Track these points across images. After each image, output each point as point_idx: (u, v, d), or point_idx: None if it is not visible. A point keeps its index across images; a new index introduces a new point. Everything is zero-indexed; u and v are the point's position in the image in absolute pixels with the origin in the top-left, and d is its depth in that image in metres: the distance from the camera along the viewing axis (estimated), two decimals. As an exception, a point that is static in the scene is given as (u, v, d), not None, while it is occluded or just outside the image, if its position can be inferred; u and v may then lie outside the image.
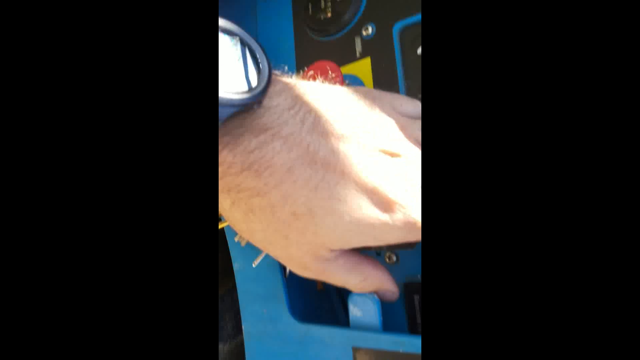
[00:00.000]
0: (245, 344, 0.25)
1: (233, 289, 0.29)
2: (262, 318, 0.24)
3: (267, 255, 0.25)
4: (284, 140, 0.16)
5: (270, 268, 0.25)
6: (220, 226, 0.26)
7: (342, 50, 0.29)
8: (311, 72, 0.27)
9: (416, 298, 0.24)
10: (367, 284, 0.20)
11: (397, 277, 0.25)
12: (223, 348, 0.33)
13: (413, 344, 0.18)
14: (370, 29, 0.28)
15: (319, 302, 0.27)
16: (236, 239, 0.26)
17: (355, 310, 0.21)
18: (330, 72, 0.26)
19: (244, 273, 0.26)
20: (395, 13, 0.27)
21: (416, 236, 0.18)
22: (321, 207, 0.16)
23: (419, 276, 0.24)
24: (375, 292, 0.21)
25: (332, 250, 0.18)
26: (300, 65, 0.31)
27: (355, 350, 0.20)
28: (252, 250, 0.25)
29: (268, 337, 0.24)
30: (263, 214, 0.17)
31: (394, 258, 0.25)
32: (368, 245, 0.18)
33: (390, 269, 0.26)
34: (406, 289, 0.24)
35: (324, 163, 0.16)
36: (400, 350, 0.18)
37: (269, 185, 0.16)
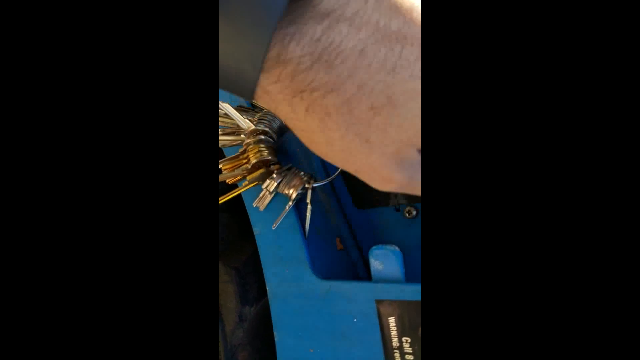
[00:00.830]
0: (271, 305, 0.26)
1: (255, 253, 0.29)
2: (286, 278, 0.25)
3: (286, 216, 0.25)
4: (350, 21, 0.14)
5: (290, 229, 0.25)
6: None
7: None
8: None
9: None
10: None
11: (418, 230, 0.25)
12: (250, 310, 0.34)
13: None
14: None
15: (340, 260, 0.28)
16: (254, 204, 0.26)
17: (376, 264, 0.21)
18: None
19: (265, 237, 0.26)
20: None
21: None
22: (402, 91, 0.14)
23: (440, 228, 0.24)
24: None
25: (419, 150, 0.16)
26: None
27: (379, 302, 0.20)
28: (271, 213, 0.25)
29: (292, 297, 0.24)
30: (340, 115, 0.15)
31: (414, 212, 0.25)
32: None
33: (410, 223, 0.25)
34: (427, 242, 0.24)
35: (398, 37, 0.15)
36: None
37: (342, 75, 0.14)
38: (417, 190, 0.17)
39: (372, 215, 0.27)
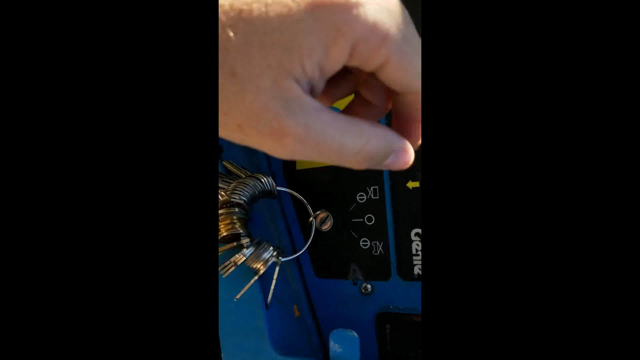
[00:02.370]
0: (224, 374, 0.26)
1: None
2: (243, 349, 0.25)
3: (249, 289, 0.25)
4: None
5: (252, 300, 0.25)
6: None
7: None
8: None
9: (387, 327, 0.26)
10: (372, 149, 0.14)
11: (371, 307, 0.27)
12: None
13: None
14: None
15: (297, 329, 0.29)
16: (219, 270, 0.26)
17: (335, 347, 0.22)
18: None
19: (224, 305, 0.26)
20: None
21: None
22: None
23: (392, 307, 0.26)
24: (387, 163, 0.15)
25: (308, 82, 0.13)
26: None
27: (335, 385, 0.21)
28: (232, 281, 0.26)
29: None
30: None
31: (369, 288, 0.27)
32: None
33: (365, 299, 0.27)
34: (379, 318, 0.26)
35: None
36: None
37: None
38: (322, 147, 0.13)
39: (330, 286, 0.29)
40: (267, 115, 0.12)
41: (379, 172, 0.27)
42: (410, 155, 0.16)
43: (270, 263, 0.24)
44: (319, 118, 0.13)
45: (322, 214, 0.28)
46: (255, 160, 0.31)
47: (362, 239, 0.28)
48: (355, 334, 0.22)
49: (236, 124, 0.13)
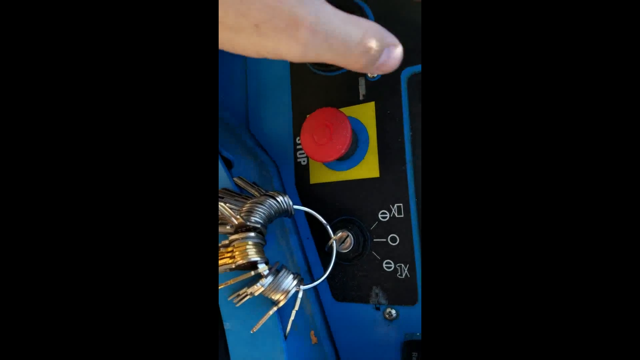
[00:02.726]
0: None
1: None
2: (259, 385, 0.23)
3: (267, 320, 0.23)
4: None
5: (269, 331, 0.23)
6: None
7: (343, 89, 0.27)
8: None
9: (414, 355, 0.24)
10: (370, 39, 0.16)
11: (396, 334, 0.25)
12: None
13: None
14: (375, 71, 0.26)
15: (314, 356, 0.27)
16: (229, 298, 0.23)
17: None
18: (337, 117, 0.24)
19: (238, 335, 0.24)
20: (405, 58, 0.26)
21: None
22: None
23: (418, 334, 0.25)
24: (382, 61, 0.17)
25: None
26: (296, 96, 0.29)
27: None
28: (246, 310, 0.23)
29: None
30: None
31: (394, 313, 0.25)
32: None
33: (389, 325, 0.26)
34: (405, 346, 0.25)
35: None
36: None
37: None
38: (330, 34, 0.15)
39: (350, 310, 0.27)
40: (284, 7, 0.14)
41: (405, 189, 0.25)
42: (401, 51, 0.18)
43: (291, 294, 0.22)
44: (325, 9, 0.15)
45: (341, 234, 0.26)
46: (265, 174, 0.28)
47: (385, 261, 0.26)
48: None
49: (253, 25, 0.14)
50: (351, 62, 0.16)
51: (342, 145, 0.24)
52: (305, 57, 0.15)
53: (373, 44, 0.16)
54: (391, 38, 0.17)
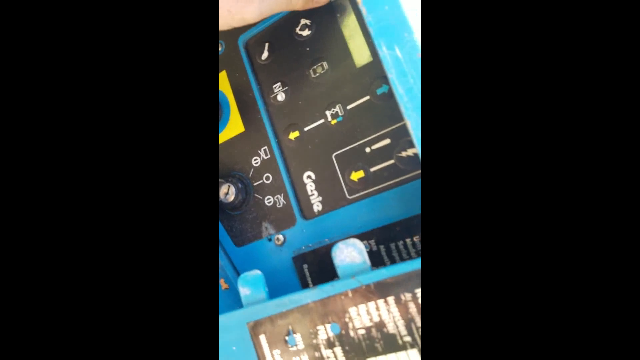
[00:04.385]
0: None
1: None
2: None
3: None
4: None
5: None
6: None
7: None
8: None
9: (304, 267, 0.28)
10: None
11: (287, 254, 0.28)
12: None
13: (294, 300, 0.21)
14: (220, 47, 0.31)
15: (227, 299, 0.29)
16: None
17: (244, 291, 0.23)
18: None
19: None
20: (240, 29, 0.30)
21: None
22: None
23: (303, 248, 0.28)
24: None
25: None
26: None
27: (250, 325, 0.22)
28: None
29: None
30: None
31: (282, 238, 0.29)
32: None
33: (280, 249, 0.29)
34: (295, 261, 0.28)
35: None
36: (285, 310, 0.21)
37: None
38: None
39: (250, 250, 0.30)
40: None
41: (265, 132, 0.29)
42: None
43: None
44: None
45: (224, 188, 0.29)
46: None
47: (266, 198, 0.29)
48: (259, 271, 0.23)
49: None
50: (295, 6, 0.24)
51: None
52: (272, 11, 0.23)
53: None
54: None
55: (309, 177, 0.28)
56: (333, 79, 0.27)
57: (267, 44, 0.29)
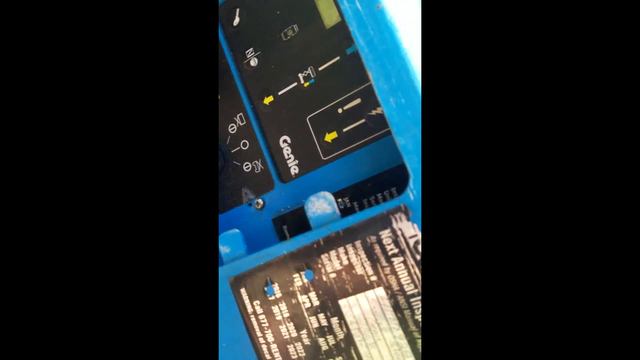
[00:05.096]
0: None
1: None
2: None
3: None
4: None
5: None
6: None
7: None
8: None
9: (284, 228, 0.29)
10: None
11: (267, 217, 0.29)
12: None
13: (270, 252, 0.22)
14: None
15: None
16: None
17: (224, 249, 0.24)
18: None
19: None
20: None
21: None
22: None
23: (282, 210, 0.29)
24: None
25: None
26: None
27: (230, 280, 0.23)
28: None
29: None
30: None
31: (261, 202, 0.29)
32: None
33: (261, 213, 0.30)
34: (275, 223, 0.29)
35: None
36: (262, 262, 0.22)
37: None
38: None
39: (232, 216, 0.31)
40: None
41: (239, 99, 0.30)
42: None
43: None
44: None
45: (203, 155, 0.30)
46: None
47: (244, 164, 0.30)
48: (237, 230, 0.24)
49: None
50: None
51: None
52: None
53: None
54: None
55: (285, 141, 0.28)
56: (304, 41, 0.27)
57: (237, 10, 0.29)
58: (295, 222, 0.28)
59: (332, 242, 0.20)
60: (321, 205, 0.21)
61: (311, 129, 0.27)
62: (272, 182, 0.29)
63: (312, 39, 0.27)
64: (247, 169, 0.30)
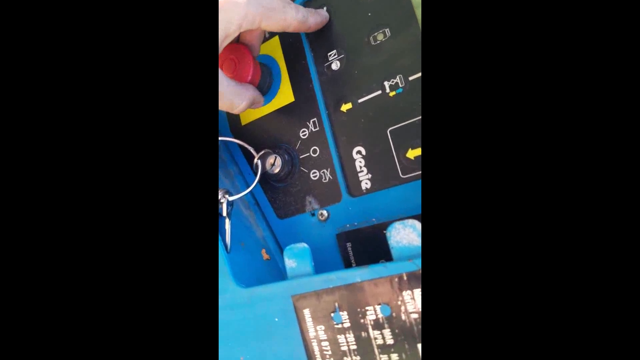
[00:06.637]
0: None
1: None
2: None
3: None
4: None
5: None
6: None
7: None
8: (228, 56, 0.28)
9: (348, 245, 0.27)
10: (249, 102, 0.26)
11: (330, 231, 0.28)
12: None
13: (342, 277, 0.21)
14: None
15: (269, 270, 0.29)
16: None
17: (290, 262, 0.23)
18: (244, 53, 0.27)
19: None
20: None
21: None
22: None
23: (348, 225, 0.27)
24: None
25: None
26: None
27: (294, 297, 0.22)
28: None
29: (219, 309, 0.25)
30: None
31: (325, 214, 0.28)
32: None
33: (324, 225, 0.28)
34: (339, 239, 0.27)
35: None
36: (331, 286, 0.21)
37: None
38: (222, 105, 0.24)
39: (292, 223, 0.29)
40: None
41: (315, 104, 0.28)
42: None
43: (222, 204, 0.25)
44: (222, 82, 0.24)
45: (270, 159, 0.29)
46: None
47: (312, 172, 0.28)
48: (305, 244, 0.22)
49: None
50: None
51: (246, 72, 0.27)
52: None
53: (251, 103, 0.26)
54: (260, 97, 0.27)
55: (359, 152, 0.27)
56: (395, 47, 0.25)
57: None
58: (361, 241, 0.26)
59: (417, 279, 0.18)
60: (408, 235, 0.19)
61: (391, 143, 0.25)
62: (339, 194, 0.27)
63: (404, 45, 0.25)
64: (315, 177, 0.28)
